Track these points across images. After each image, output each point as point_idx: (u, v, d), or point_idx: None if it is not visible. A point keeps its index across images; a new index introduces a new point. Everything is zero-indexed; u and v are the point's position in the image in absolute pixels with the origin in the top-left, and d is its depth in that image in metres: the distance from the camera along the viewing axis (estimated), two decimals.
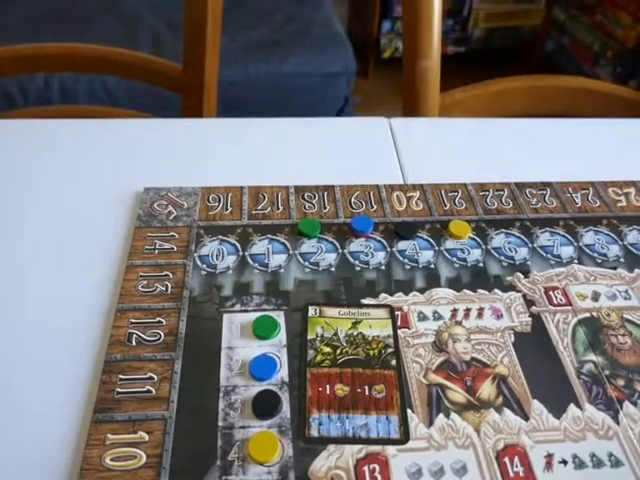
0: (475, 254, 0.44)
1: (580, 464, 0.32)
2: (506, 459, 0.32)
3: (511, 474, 0.31)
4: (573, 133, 0.59)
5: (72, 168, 0.50)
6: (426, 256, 0.43)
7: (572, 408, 0.34)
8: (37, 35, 0.93)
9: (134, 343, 0.36)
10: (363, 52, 2.07)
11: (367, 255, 0.43)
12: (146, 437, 0.31)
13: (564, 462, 0.32)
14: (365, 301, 0.40)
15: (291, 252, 0.43)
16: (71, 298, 0.39)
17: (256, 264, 0.42)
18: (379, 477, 0.31)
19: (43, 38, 0.83)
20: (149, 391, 0.33)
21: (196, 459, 0.31)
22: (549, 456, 0.32)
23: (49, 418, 0.33)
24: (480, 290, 0.41)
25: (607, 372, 0.36)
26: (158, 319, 0.37)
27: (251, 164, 0.52)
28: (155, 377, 0.34)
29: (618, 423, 0.34)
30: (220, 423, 0.32)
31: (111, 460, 0.30)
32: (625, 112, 0.74)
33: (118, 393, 0.33)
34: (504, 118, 0.60)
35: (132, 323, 0.37)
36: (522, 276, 0.42)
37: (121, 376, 0.34)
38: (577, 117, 0.62)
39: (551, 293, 0.41)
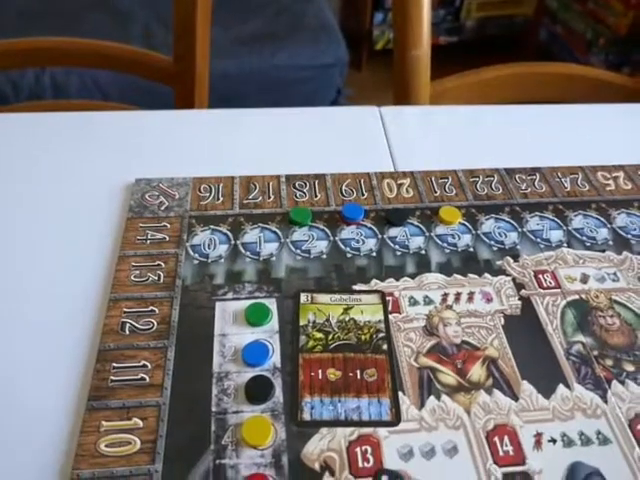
0: (465, 239, 0.44)
1: (569, 442, 0.32)
2: (496, 439, 0.32)
3: (501, 453, 0.32)
4: (562, 119, 0.59)
5: (63, 160, 0.50)
6: (417, 242, 0.44)
7: (561, 388, 0.35)
8: (28, 31, 0.92)
9: (127, 332, 0.36)
10: (356, 44, 2.07)
11: (358, 242, 0.43)
12: (140, 423, 0.32)
13: (553, 441, 0.33)
14: (356, 287, 0.40)
15: (283, 240, 0.43)
16: (64, 289, 0.39)
17: (248, 252, 0.42)
18: (371, 458, 0.31)
19: (34, 34, 0.83)
20: (143, 379, 0.34)
21: (190, 444, 0.31)
22: (538, 435, 0.33)
23: (44, 406, 0.33)
24: (470, 274, 0.41)
25: (596, 352, 0.37)
26: (151, 308, 0.38)
27: (242, 154, 0.52)
28: (149, 365, 0.34)
29: (606, 402, 0.34)
30: (213, 408, 0.33)
31: (106, 446, 0.31)
32: (616, 98, 0.74)
33: (112, 381, 0.34)
34: (494, 105, 0.60)
35: (125, 312, 0.37)
36: (512, 260, 0.43)
37: (115, 364, 0.34)
38: (568, 103, 0.62)
39: (540, 276, 0.42)
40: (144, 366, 0.34)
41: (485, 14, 2.17)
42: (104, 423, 0.32)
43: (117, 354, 0.35)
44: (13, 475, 0.30)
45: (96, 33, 0.91)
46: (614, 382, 0.35)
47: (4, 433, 0.32)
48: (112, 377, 0.34)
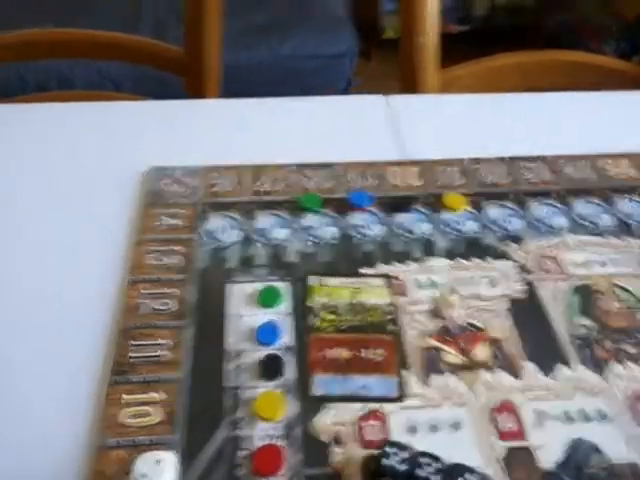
0: (470, 225, 0.45)
1: (569, 419, 0.34)
2: (498, 415, 0.34)
3: (503, 429, 0.33)
4: (568, 106, 0.60)
5: (78, 150, 0.52)
6: (422, 228, 0.45)
7: (563, 368, 0.36)
8: (37, 19, 0.93)
9: (146, 312, 0.38)
10: (365, 33, 2.06)
11: (365, 228, 0.45)
12: (160, 397, 0.33)
13: (554, 418, 0.34)
14: (364, 271, 0.41)
15: (293, 226, 0.45)
16: (85, 273, 0.41)
17: (260, 238, 0.44)
18: (378, 432, 0.33)
19: (43, 22, 0.83)
20: (161, 356, 0.35)
21: (207, 416, 0.33)
22: (540, 412, 0.34)
23: (70, 381, 0.35)
24: (475, 259, 0.43)
25: (596, 335, 0.38)
26: (168, 290, 0.39)
27: (253, 143, 0.53)
28: (167, 343, 0.36)
29: (606, 381, 0.36)
30: (228, 384, 0.34)
31: (129, 418, 0.32)
32: (624, 86, 0.74)
33: (132, 357, 0.35)
34: (501, 93, 0.61)
35: (143, 294, 0.39)
36: (516, 246, 0.44)
37: (134, 342, 0.36)
38: (575, 91, 0.63)
39: (544, 261, 0.43)
40: (162, 344, 0.36)
41: (496, 2, 2.16)
42: (125, 396, 0.33)
43: (136, 333, 0.37)
44: (42, 444, 0.32)
45: (107, 23, 0.92)
46: (614, 363, 0.37)
47: (34, 406, 0.34)
48: (132, 354, 0.35)
